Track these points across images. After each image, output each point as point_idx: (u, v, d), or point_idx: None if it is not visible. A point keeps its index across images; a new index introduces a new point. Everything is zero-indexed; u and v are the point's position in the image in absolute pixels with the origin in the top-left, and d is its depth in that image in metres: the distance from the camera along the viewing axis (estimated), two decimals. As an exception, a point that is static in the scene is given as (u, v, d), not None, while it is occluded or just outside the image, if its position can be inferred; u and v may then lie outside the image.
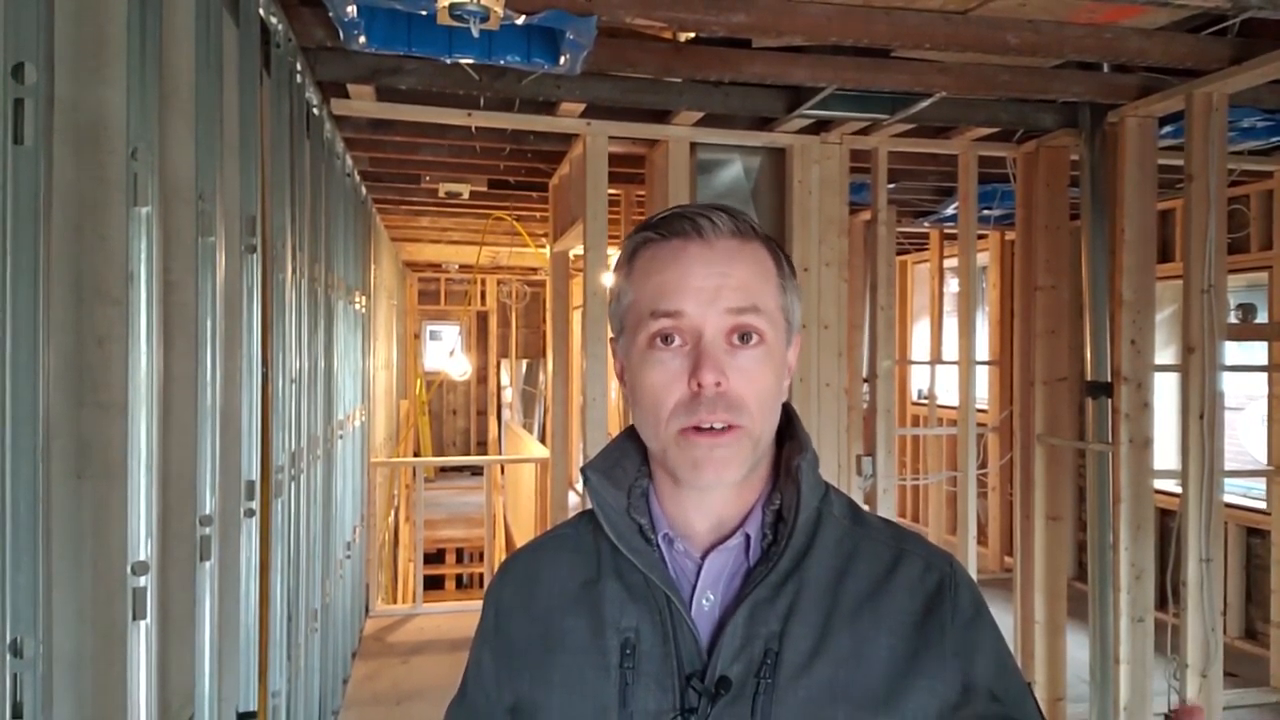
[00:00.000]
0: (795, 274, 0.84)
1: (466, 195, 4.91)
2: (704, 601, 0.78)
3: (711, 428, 0.75)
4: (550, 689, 0.79)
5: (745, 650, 0.75)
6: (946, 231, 6.06)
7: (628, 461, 0.85)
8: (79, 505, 1.30)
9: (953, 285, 6.35)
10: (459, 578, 10.11)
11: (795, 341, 0.83)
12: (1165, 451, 3.79)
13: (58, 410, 1.21)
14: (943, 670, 0.75)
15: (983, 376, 5.92)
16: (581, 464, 0.87)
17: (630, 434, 0.85)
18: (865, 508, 0.87)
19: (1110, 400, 3.30)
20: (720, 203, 0.82)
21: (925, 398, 6.61)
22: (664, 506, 0.82)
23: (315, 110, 2.91)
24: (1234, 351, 4.48)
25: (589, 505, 0.83)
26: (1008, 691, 0.77)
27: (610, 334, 0.84)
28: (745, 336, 0.76)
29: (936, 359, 6.34)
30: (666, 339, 0.76)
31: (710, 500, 0.80)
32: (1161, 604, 3.27)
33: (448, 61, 2.54)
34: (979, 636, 0.78)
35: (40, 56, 0.96)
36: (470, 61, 2.58)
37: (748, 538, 0.80)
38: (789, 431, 0.84)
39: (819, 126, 3.59)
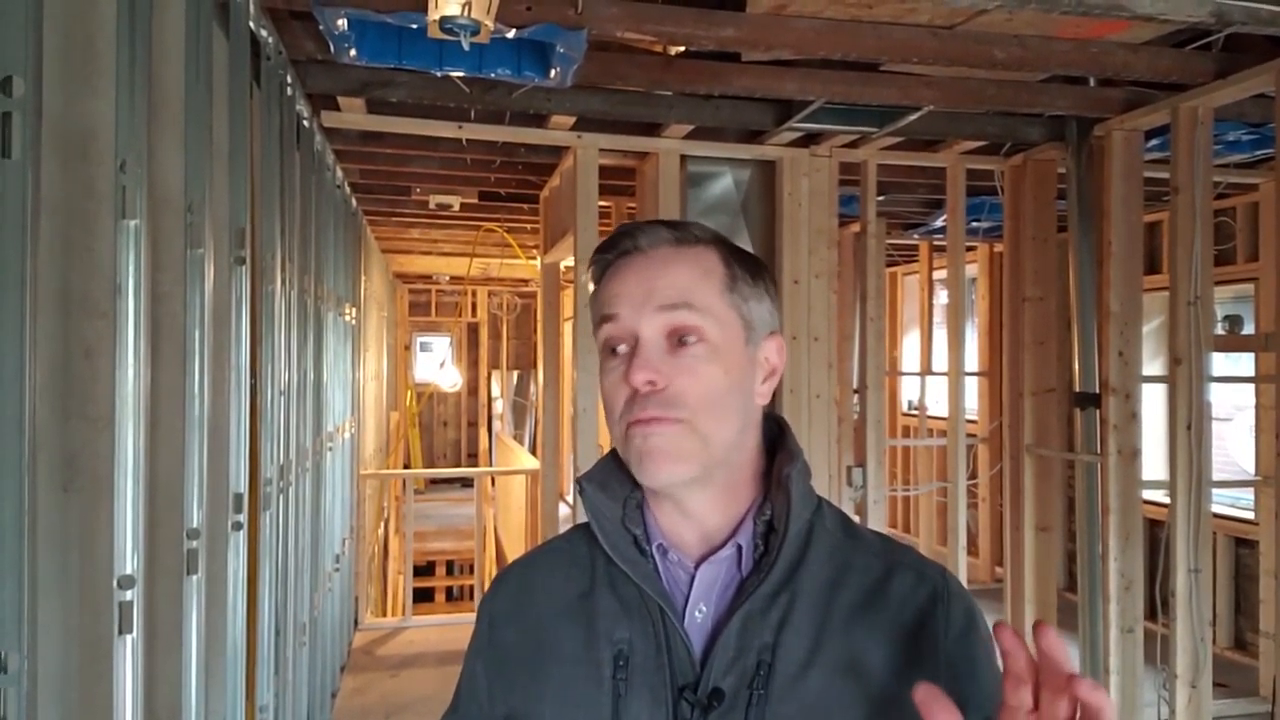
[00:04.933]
0: (760, 276, 0.84)
1: (457, 207, 4.92)
2: (697, 613, 0.79)
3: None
4: (543, 701, 0.79)
5: (738, 661, 0.75)
6: (935, 243, 6.09)
7: (622, 473, 0.85)
8: (65, 518, 1.29)
9: (942, 297, 6.38)
10: (449, 590, 10.06)
11: (772, 343, 0.84)
12: (1153, 462, 3.81)
13: (44, 423, 1.20)
14: (936, 682, 0.75)
15: (972, 387, 5.94)
16: (574, 475, 0.89)
17: None
18: (856, 519, 0.88)
19: (1098, 411, 3.31)
20: (668, 218, 0.86)
21: (915, 409, 6.63)
22: (656, 518, 0.83)
23: (305, 123, 2.91)
24: (1221, 363, 4.51)
25: (581, 517, 0.83)
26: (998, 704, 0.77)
27: None
28: (684, 337, 0.78)
29: (926, 370, 6.35)
30: (614, 348, 0.80)
31: (689, 508, 0.81)
32: (1151, 614, 3.28)
33: (438, 74, 2.54)
34: (972, 649, 0.78)
35: (28, 69, 0.96)
36: (461, 74, 2.58)
37: (740, 549, 0.80)
38: (780, 442, 0.85)
39: (808, 139, 3.61)
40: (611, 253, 0.83)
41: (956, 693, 0.75)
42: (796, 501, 0.79)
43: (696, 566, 0.80)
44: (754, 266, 0.84)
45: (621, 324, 0.79)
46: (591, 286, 0.87)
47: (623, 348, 0.80)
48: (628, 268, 0.81)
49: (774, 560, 0.77)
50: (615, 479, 0.85)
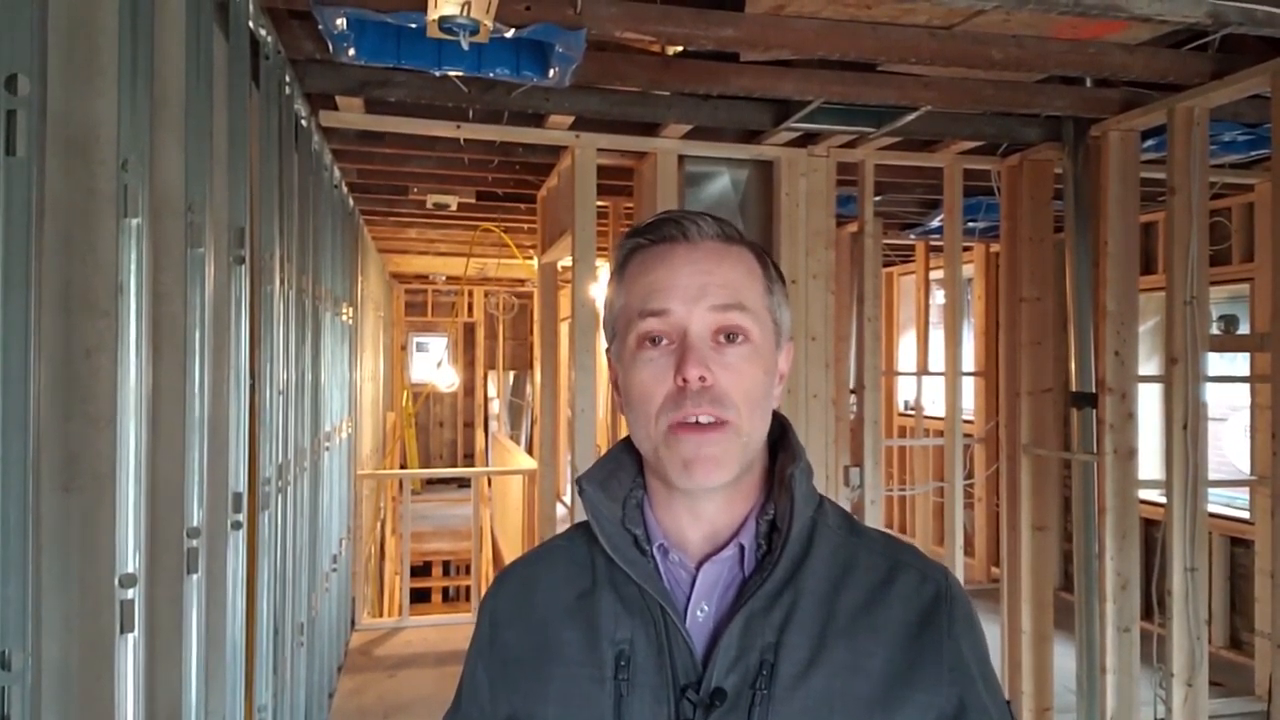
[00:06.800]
0: (784, 281, 0.85)
1: (454, 207, 4.91)
2: (699, 613, 0.78)
3: (698, 423, 0.76)
4: (545, 701, 0.79)
5: (741, 661, 0.75)
6: (932, 243, 6.10)
7: (623, 473, 0.85)
8: (66, 518, 1.29)
9: (939, 297, 6.40)
10: (446, 590, 10.06)
11: (787, 349, 0.84)
12: (1150, 462, 3.82)
13: (45, 422, 1.20)
14: (939, 684, 0.75)
15: (969, 387, 5.95)
16: (571, 475, 0.88)
17: (625, 445, 0.85)
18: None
19: (1095, 411, 3.32)
20: (707, 211, 0.83)
21: (912, 409, 6.64)
22: (658, 517, 0.83)
23: (304, 122, 2.91)
24: (1217, 362, 4.52)
25: (578, 517, 0.83)
26: (997, 705, 0.78)
27: (605, 344, 0.85)
28: (731, 336, 0.78)
29: (923, 370, 6.36)
30: (655, 339, 0.78)
31: (704, 509, 0.81)
32: (1147, 614, 3.29)
33: (437, 74, 2.54)
34: (974, 651, 0.78)
35: (34, 68, 0.96)
36: (459, 74, 2.58)
37: (742, 548, 0.80)
38: (782, 442, 0.85)
39: (806, 139, 3.62)
40: (652, 237, 0.81)
41: (957, 696, 0.75)
42: (800, 501, 0.80)
43: (698, 567, 0.80)
44: (779, 272, 0.85)
45: (672, 319, 0.77)
46: (622, 268, 0.83)
47: (665, 340, 0.78)
48: (676, 258, 0.79)
49: (777, 560, 0.77)
50: (615, 479, 0.84)
